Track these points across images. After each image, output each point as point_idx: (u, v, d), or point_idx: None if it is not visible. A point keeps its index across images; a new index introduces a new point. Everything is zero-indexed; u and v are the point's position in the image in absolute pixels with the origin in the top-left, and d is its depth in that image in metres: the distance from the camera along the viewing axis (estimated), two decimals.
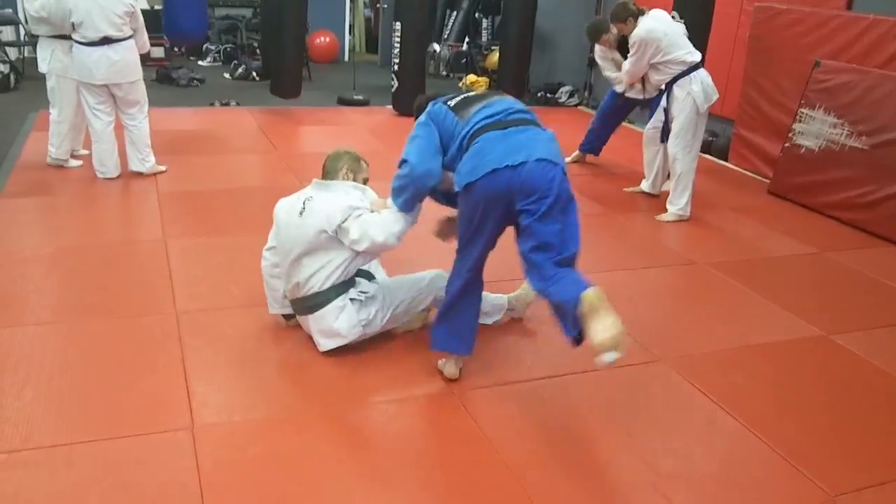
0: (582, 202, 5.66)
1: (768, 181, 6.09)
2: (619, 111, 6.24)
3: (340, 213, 2.98)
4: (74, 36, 5.00)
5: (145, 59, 5.50)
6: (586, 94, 9.36)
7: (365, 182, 3.24)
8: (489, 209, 2.71)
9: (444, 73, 10.84)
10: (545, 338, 3.43)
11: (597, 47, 5.86)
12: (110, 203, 5.04)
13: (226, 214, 4.82)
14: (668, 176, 5.40)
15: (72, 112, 5.36)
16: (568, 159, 6.46)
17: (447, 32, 11.37)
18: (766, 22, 6.36)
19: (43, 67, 5.26)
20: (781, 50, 6.21)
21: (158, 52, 9.69)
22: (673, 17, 5.51)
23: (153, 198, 5.02)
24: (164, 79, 9.17)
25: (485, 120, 2.79)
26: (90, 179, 5.31)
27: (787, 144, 5.87)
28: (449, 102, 2.93)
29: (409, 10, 7.59)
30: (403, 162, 2.89)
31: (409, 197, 2.95)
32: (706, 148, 7.14)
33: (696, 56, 5.06)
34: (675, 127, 5.09)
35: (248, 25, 11.23)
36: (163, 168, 5.51)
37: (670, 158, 5.20)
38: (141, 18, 5.22)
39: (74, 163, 5.55)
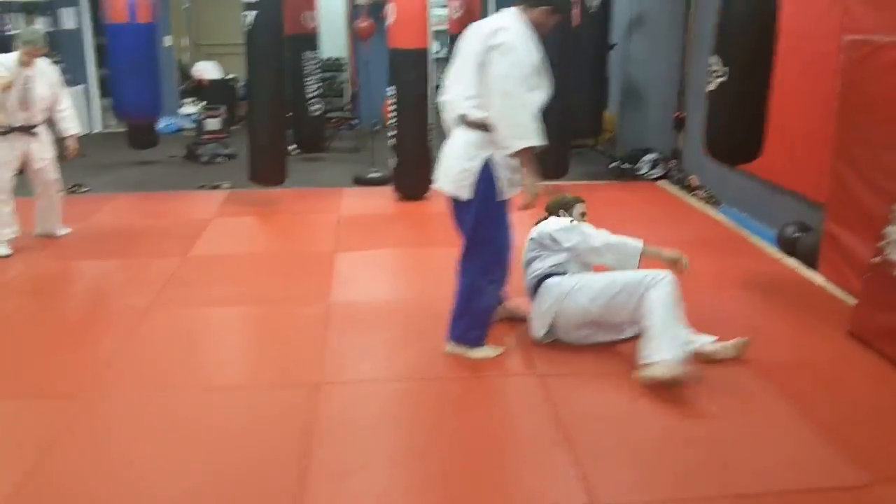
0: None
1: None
2: None
3: None
4: None
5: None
6: (672, 163, 7.23)
7: None
8: None
9: None
10: None
11: None
12: None
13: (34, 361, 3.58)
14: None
15: None
16: None
17: None
18: (860, 63, 4.15)
19: None
20: (884, 105, 3.98)
21: (215, 125, 8.93)
22: None
23: None
24: (189, 155, 8.29)
25: None
26: None
27: (875, 259, 3.63)
28: None
29: (405, 70, 6.10)
30: None
31: None
32: (790, 247, 4.91)
33: None
34: None
35: None
36: None
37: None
38: None
39: None
